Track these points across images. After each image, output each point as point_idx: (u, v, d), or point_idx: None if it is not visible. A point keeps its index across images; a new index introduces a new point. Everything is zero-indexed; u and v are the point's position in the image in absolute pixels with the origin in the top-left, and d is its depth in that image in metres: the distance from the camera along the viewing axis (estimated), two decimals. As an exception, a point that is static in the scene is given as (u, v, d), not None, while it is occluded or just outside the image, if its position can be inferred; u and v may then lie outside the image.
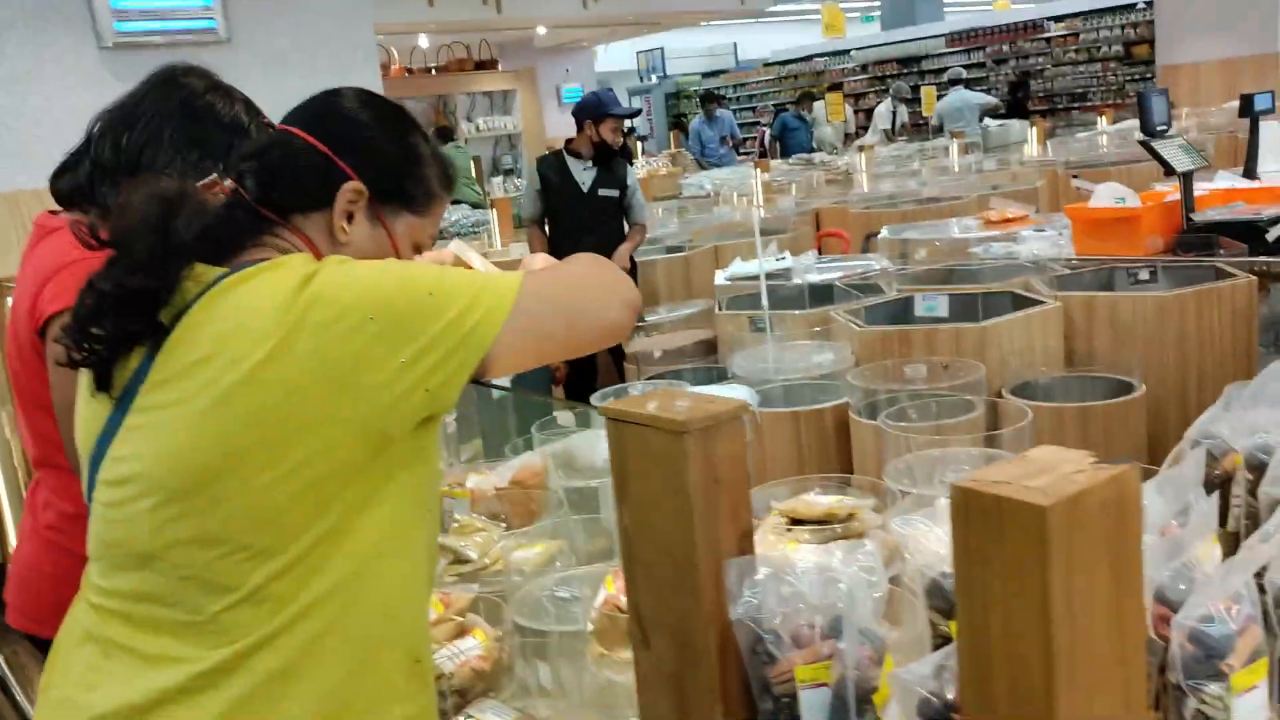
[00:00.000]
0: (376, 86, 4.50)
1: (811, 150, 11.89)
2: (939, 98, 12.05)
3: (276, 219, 1.20)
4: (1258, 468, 1.04)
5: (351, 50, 4.37)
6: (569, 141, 4.96)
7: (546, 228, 5.00)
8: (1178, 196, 3.72)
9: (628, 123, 20.64)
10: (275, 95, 4.42)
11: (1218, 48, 9.26)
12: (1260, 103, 4.27)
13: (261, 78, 4.16)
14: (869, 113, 16.80)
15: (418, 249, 1.29)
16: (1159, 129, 3.67)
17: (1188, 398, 3.10)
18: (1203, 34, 9.31)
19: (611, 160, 4.89)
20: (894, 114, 12.53)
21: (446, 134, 12.21)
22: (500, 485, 1.99)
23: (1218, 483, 1.08)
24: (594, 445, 2.26)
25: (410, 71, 14.68)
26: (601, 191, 4.80)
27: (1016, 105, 13.75)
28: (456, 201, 10.13)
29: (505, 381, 3.41)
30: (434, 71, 14.73)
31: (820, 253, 5.00)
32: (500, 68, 15.43)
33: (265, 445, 1.03)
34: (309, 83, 4.54)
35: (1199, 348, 3.09)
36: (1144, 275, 3.17)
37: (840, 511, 1.60)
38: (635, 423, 0.80)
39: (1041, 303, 3.13)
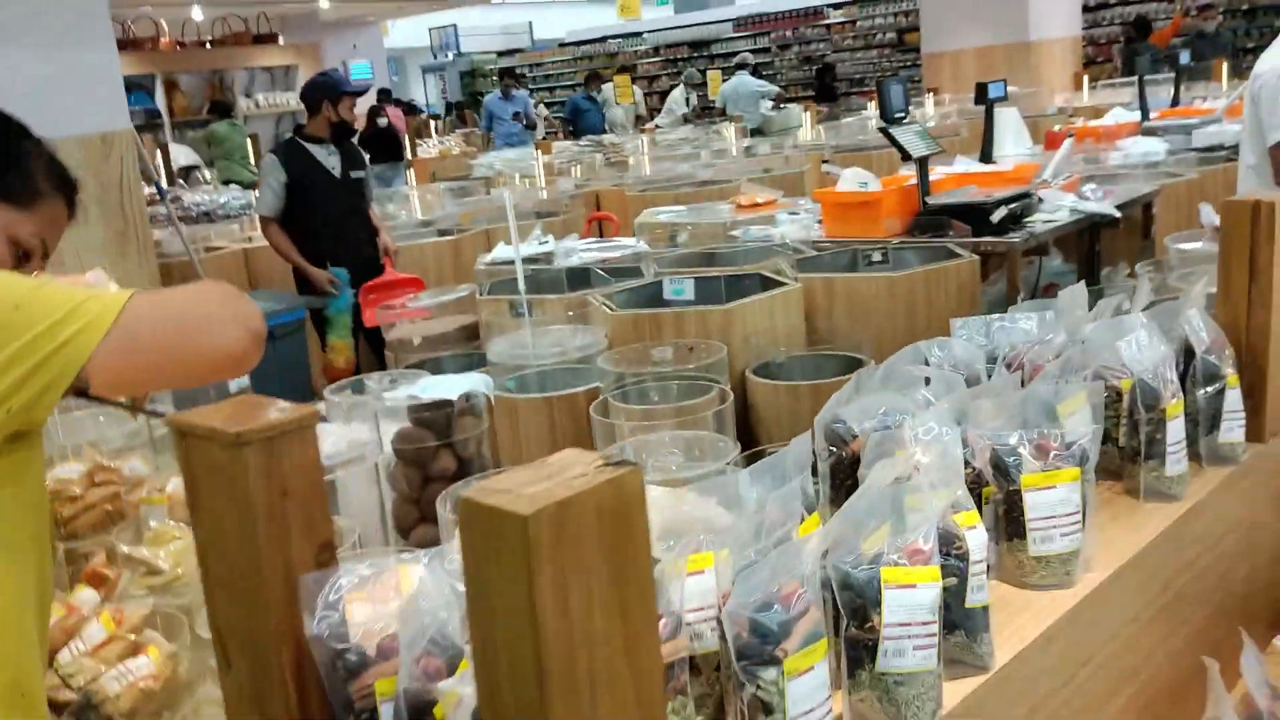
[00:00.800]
0: (115, 58, 4.22)
1: (604, 131, 11.94)
2: (725, 82, 12.32)
3: None
4: (880, 450, 1.09)
5: (82, 18, 4.06)
6: (300, 128, 4.68)
7: (293, 222, 4.64)
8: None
9: (421, 100, 20.08)
10: (2, 73, 4.04)
11: (975, 36, 9.84)
12: (994, 91, 4.55)
13: (-21, 51, 3.83)
14: (663, 95, 17.06)
15: (16, 246, 1.22)
16: (897, 116, 3.85)
17: (920, 372, 3.28)
18: (961, 23, 9.87)
19: (347, 141, 4.69)
20: (688, 99, 12.72)
21: (223, 109, 11.61)
22: (205, 488, 1.89)
23: (846, 465, 1.12)
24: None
25: (183, 45, 13.90)
26: (352, 174, 4.60)
27: (824, 89, 14.09)
28: (228, 181, 9.64)
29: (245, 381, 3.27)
30: (209, 45, 13.97)
31: (601, 235, 5.03)
32: (282, 42, 14.79)
33: None
34: (38, 54, 4.16)
35: (927, 324, 3.27)
36: (877, 257, 3.32)
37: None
38: (198, 435, 0.75)
39: (784, 284, 3.24)
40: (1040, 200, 3.84)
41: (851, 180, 3.90)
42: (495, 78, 19.88)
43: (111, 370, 1.02)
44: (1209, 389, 1.28)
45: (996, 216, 3.55)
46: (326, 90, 4.51)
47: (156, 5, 12.75)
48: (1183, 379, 1.27)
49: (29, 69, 3.95)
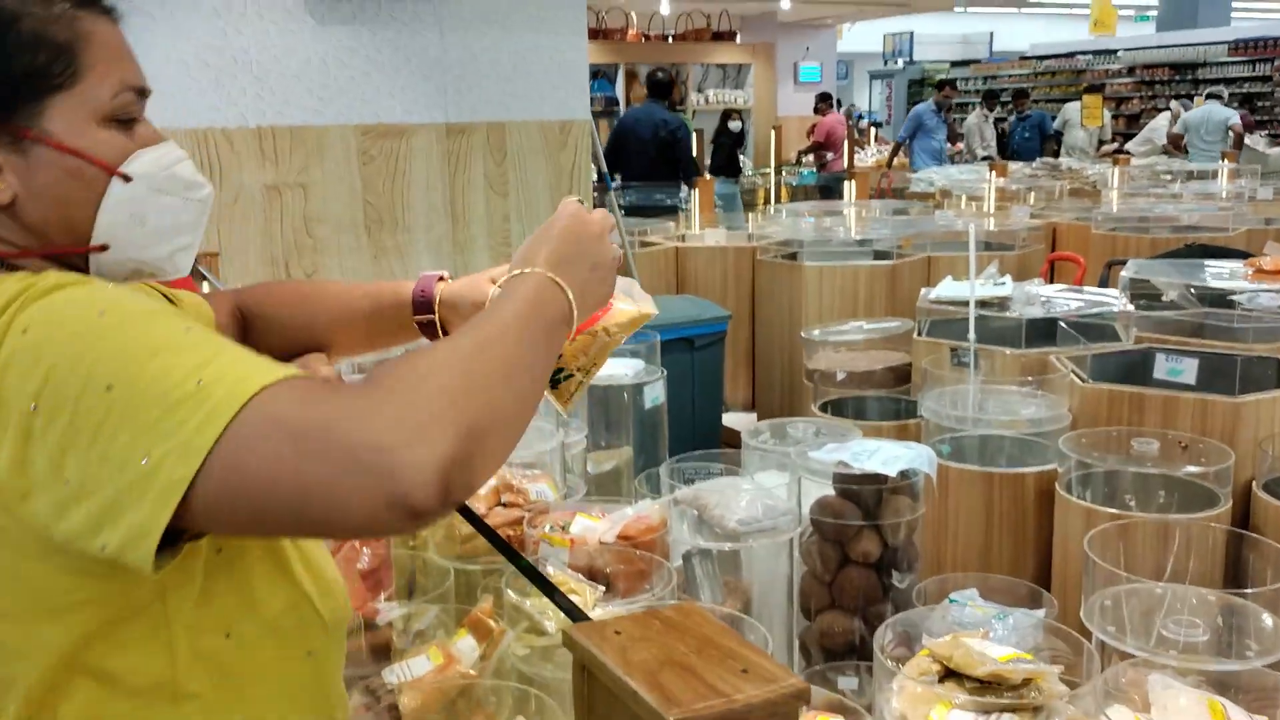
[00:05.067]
0: (584, 49, 4.26)
1: (1054, 154, 10.94)
2: (1190, 112, 10.80)
3: None
4: None
5: (560, 8, 4.13)
6: None
7: None
8: None
9: (857, 108, 19.85)
10: (480, 49, 4.23)
11: None
12: None
13: (466, 31, 4.00)
14: (1130, 120, 15.45)
15: (123, 122, 0.90)
16: None
17: None
18: None
19: None
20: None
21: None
22: (606, 538, 1.68)
23: None
24: (731, 498, 1.92)
25: (647, 38, 14.54)
26: None
27: None
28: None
29: (659, 397, 3.09)
30: (670, 39, 14.50)
31: (1050, 280, 4.43)
32: (738, 40, 15.06)
33: None
34: (515, 38, 4.31)
35: None
36: None
37: (1014, 675, 1.20)
38: (608, 689, 0.46)
39: (1319, 381, 2.55)
40: None
41: None
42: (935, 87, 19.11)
43: (213, 511, 0.72)
44: None
45: None
46: None
47: (629, -3, 13.40)
48: None
49: (502, 50, 4.08)
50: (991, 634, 1.69)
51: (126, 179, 0.87)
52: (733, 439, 4.07)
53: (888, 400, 3.23)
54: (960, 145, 12.35)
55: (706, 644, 0.57)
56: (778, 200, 10.19)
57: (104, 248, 0.88)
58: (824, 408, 3.18)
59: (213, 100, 3.54)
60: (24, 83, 0.83)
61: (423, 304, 1.16)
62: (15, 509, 0.74)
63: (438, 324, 1.16)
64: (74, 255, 0.88)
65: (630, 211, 6.56)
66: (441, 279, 1.16)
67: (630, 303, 1.16)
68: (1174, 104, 11.51)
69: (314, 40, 3.70)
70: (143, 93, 0.91)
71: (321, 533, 0.77)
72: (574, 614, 0.74)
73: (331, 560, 1.01)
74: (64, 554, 0.75)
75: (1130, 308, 3.14)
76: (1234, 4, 19.87)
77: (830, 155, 11.57)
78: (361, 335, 1.20)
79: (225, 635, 0.85)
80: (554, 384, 1.13)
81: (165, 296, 1.07)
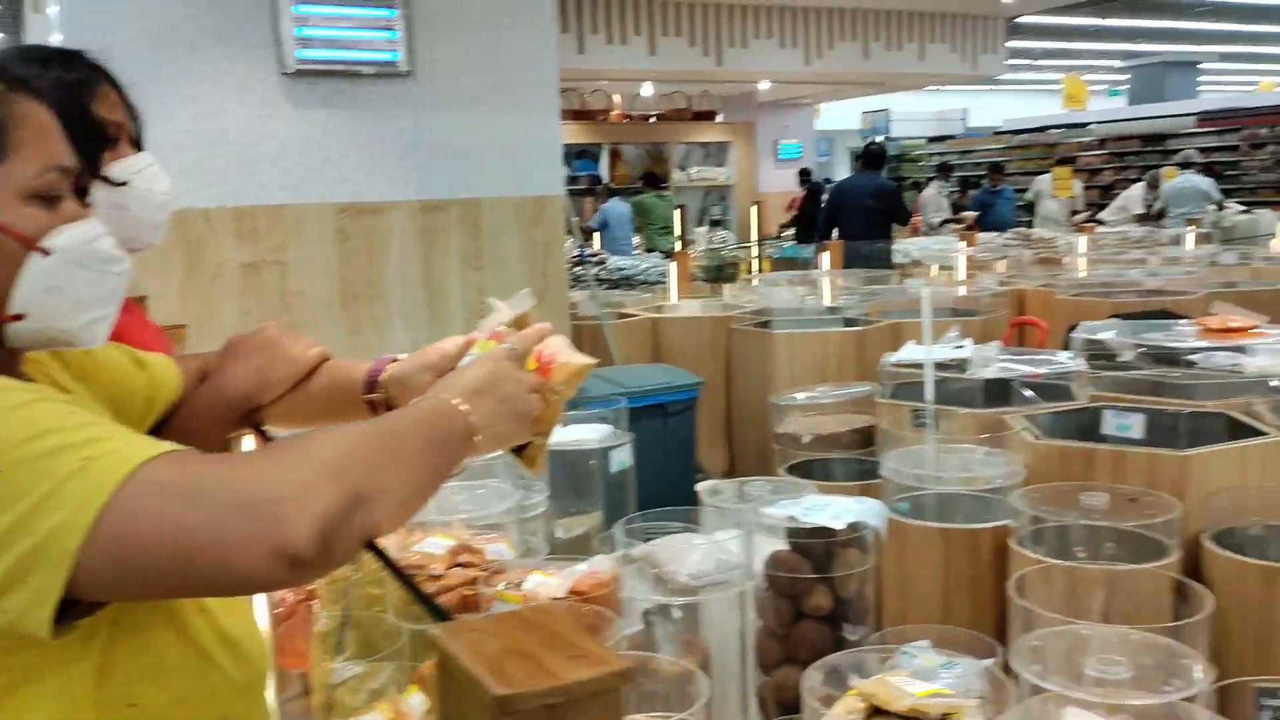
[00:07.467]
0: (557, 128, 4.40)
1: (1027, 225, 11.16)
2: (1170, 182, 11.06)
3: None
4: None
5: (534, 90, 4.27)
6: None
7: None
8: None
9: (832, 182, 20.35)
10: (455, 129, 4.36)
11: None
12: None
13: (441, 112, 4.14)
14: (1103, 190, 15.76)
15: (47, 199, 0.93)
16: None
17: None
18: None
19: None
20: (1148, 201, 11.51)
21: (653, 180, 12.19)
22: (558, 594, 1.73)
23: None
24: (683, 552, 1.97)
25: (629, 118, 14.84)
26: None
27: None
28: (651, 250, 10.02)
29: (627, 461, 3.15)
30: (653, 119, 14.81)
31: (1020, 343, 4.53)
32: (719, 119, 15.38)
33: None
34: (489, 119, 4.45)
35: None
36: (1402, 415, 2.59)
37: (932, 710, 1.25)
38: (457, 677, 0.52)
39: (1263, 433, 2.62)
40: None
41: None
42: (930, 164, 19.49)
43: (102, 579, 0.76)
44: None
45: None
46: None
47: (613, 80, 13.70)
48: None
49: (477, 130, 4.21)
50: (939, 681, 1.73)
51: (46, 253, 0.91)
52: (707, 505, 4.12)
53: (853, 461, 3.29)
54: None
55: (554, 638, 0.63)
56: (761, 272, 10.39)
57: (19, 317, 0.92)
58: (791, 470, 3.24)
59: (190, 183, 3.64)
60: None
61: (371, 384, 1.21)
62: None
63: (381, 405, 1.20)
64: None
65: (852, 263, 6.88)
66: (394, 360, 1.22)
67: (570, 355, 1.22)
68: (1148, 176, 11.77)
69: (291, 123, 3.82)
70: (67, 171, 0.95)
71: (209, 588, 0.79)
72: (443, 617, 0.79)
73: (251, 621, 1.04)
74: None
75: (1084, 367, 3.22)
76: (1200, 78, 20.46)
77: (809, 228, 11.78)
78: (316, 406, 1.23)
79: (129, 706, 0.88)
80: (517, 451, 1.18)
81: (135, 359, 1.12)
